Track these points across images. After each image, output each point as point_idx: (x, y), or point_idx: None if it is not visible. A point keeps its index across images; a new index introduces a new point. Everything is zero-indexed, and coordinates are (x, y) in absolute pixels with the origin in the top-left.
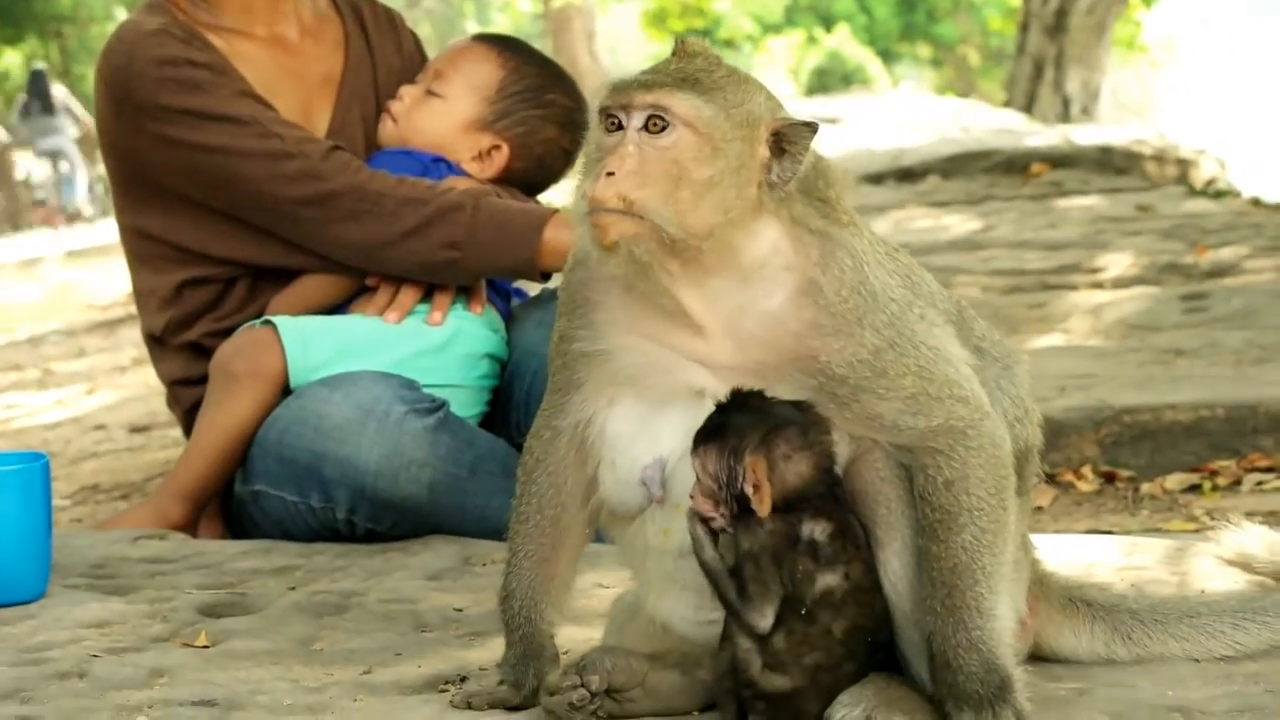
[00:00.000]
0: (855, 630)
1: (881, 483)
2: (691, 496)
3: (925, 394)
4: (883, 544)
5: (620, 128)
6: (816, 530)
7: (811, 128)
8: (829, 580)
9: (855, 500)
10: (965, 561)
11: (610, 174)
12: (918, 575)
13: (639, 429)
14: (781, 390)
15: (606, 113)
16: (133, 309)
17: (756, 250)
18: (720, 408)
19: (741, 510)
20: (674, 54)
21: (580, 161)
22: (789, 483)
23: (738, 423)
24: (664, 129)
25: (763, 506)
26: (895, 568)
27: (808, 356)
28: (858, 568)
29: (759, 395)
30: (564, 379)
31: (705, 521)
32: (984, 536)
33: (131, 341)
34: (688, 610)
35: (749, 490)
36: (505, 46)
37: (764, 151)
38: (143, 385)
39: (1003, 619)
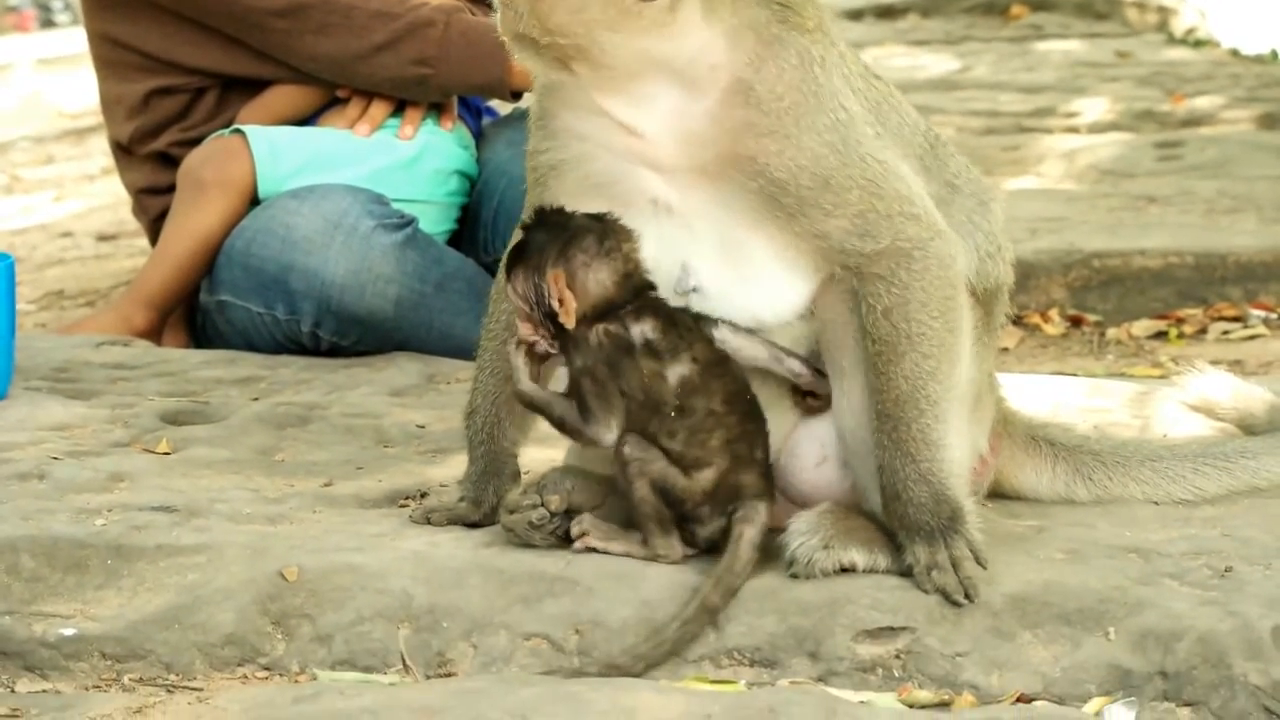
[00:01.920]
0: (732, 396)
1: (850, 313)
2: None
3: (874, 211)
4: (849, 374)
5: None
6: (646, 330)
7: None
8: (680, 370)
9: (823, 331)
10: (907, 391)
11: None
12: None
13: None
14: (727, 194)
15: None
16: (103, 117)
17: (678, 53)
18: (524, 228)
19: (560, 329)
20: None
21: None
22: (591, 291)
23: (537, 240)
24: None
25: (568, 318)
26: (855, 400)
27: (745, 158)
28: (700, 348)
29: (559, 211)
30: (536, 194)
31: (531, 348)
32: (926, 363)
33: (101, 150)
34: None
35: (555, 305)
36: None
37: None
38: (111, 194)
39: (952, 449)
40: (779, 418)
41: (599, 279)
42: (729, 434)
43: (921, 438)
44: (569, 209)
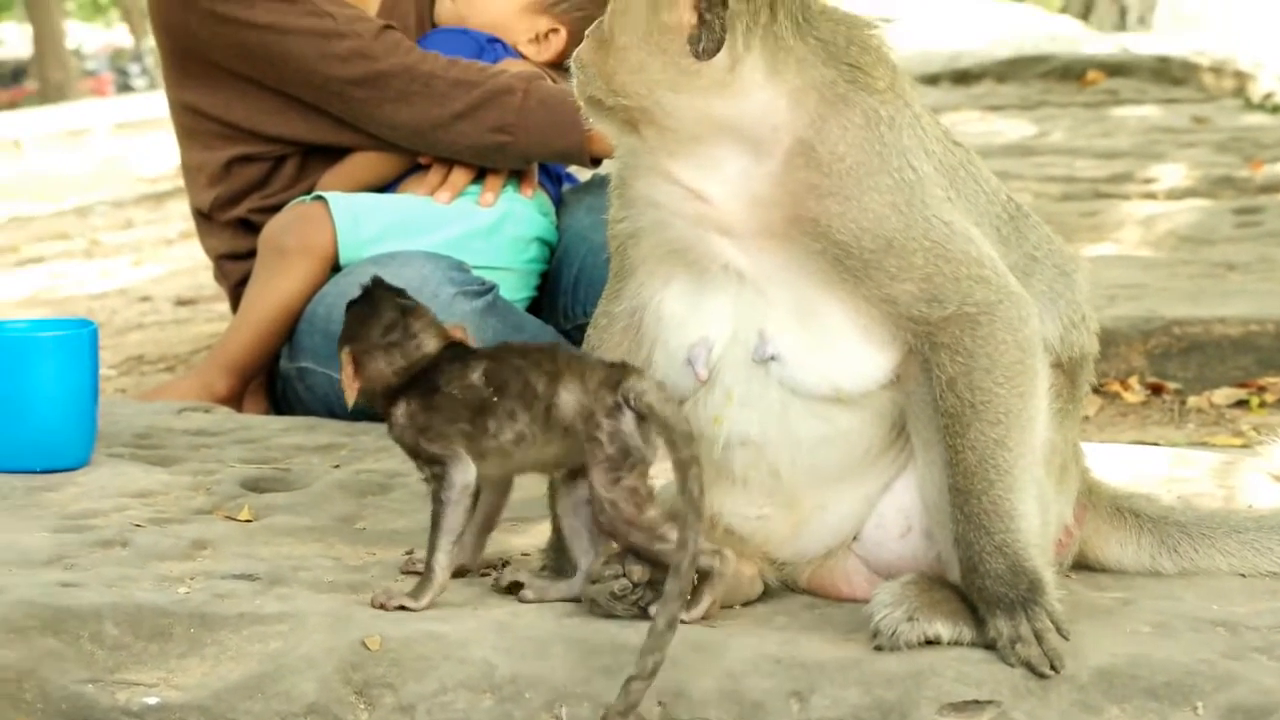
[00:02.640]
0: (524, 347)
1: (930, 383)
2: None
3: (940, 274)
4: (930, 445)
5: None
6: (444, 369)
7: None
8: (479, 368)
9: (908, 401)
10: (975, 462)
11: (588, 34)
12: None
13: (689, 308)
14: (797, 258)
15: None
16: (181, 182)
17: (740, 114)
18: (361, 292)
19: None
20: None
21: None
22: (372, 376)
23: (351, 314)
24: None
25: (350, 395)
26: (939, 471)
27: (809, 220)
28: (483, 350)
29: (384, 287)
30: (618, 264)
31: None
32: (993, 430)
33: (179, 214)
34: (736, 504)
35: (345, 381)
36: None
37: (688, 17)
38: (189, 258)
39: (1028, 518)
40: (864, 487)
41: (378, 366)
42: (545, 364)
43: (994, 509)
44: (392, 290)
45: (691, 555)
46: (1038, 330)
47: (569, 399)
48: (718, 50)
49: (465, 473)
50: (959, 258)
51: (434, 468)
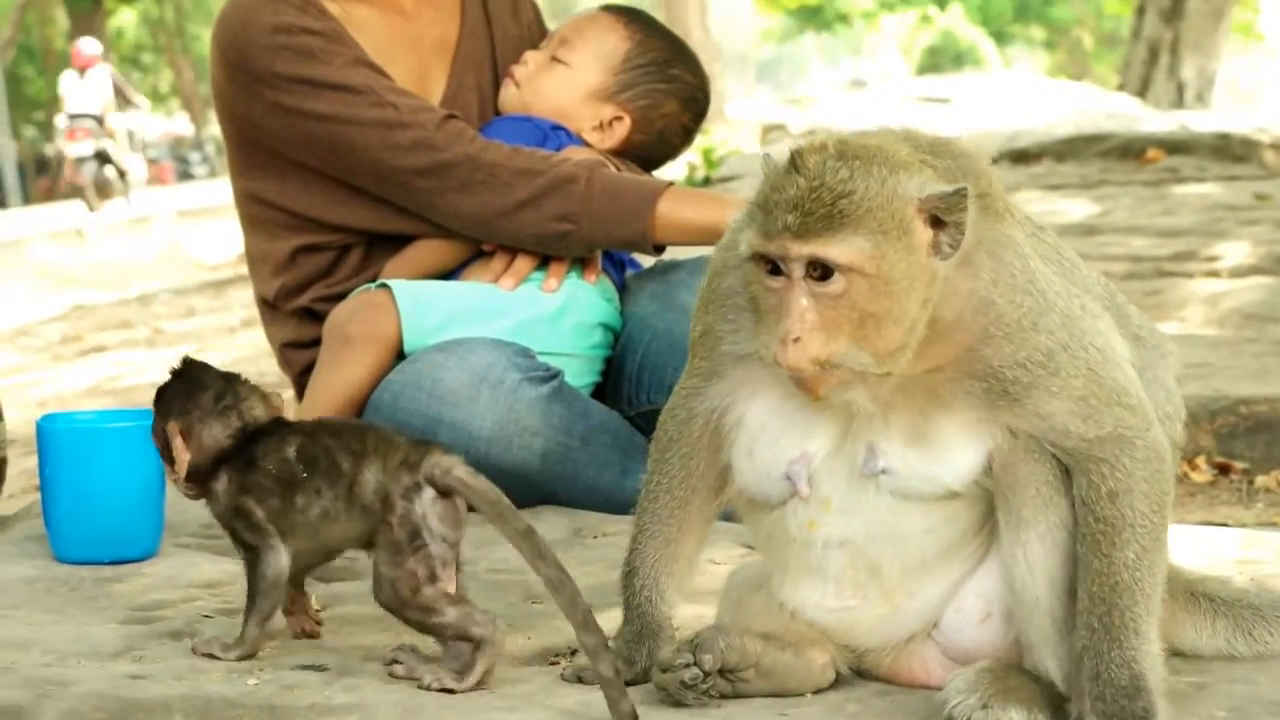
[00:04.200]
0: (330, 425)
1: (1035, 463)
2: None
3: (1095, 397)
4: (1028, 525)
5: (778, 271)
6: (261, 444)
7: (961, 193)
8: (293, 444)
9: (1005, 476)
10: (1127, 580)
11: (796, 339)
12: (1057, 563)
13: (785, 422)
14: (939, 390)
15: (761, 257)
16: (243, 269)
17: (940, 292)
18: (170, 373)
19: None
20: (796, 169)
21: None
22: (206, 445)
23: (170, 391)
24: (828, 275)
25: (180, 468)
26: (1036, 552)
27: (979, 363)
28: (297, 427)
29: (199, 364)
30: (706, 367)
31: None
32: (1145, 555)
33: (241, 302)
34: (824, 598)
35: (176, 454)
36: (633, 18)
37: (925, 234)
38: (252, 346)
39: (1154, 642)
40: (953, 571)
41: (213, 434)
42: (353, 443)
43: (1133, 627)
44: (208, 364)
45: (602, 639)
46: (1172, 460)
47: (370, 479)
48: (963, 237)
49: (277, 562)
50: (1110, 384)
51: (247, 553)
